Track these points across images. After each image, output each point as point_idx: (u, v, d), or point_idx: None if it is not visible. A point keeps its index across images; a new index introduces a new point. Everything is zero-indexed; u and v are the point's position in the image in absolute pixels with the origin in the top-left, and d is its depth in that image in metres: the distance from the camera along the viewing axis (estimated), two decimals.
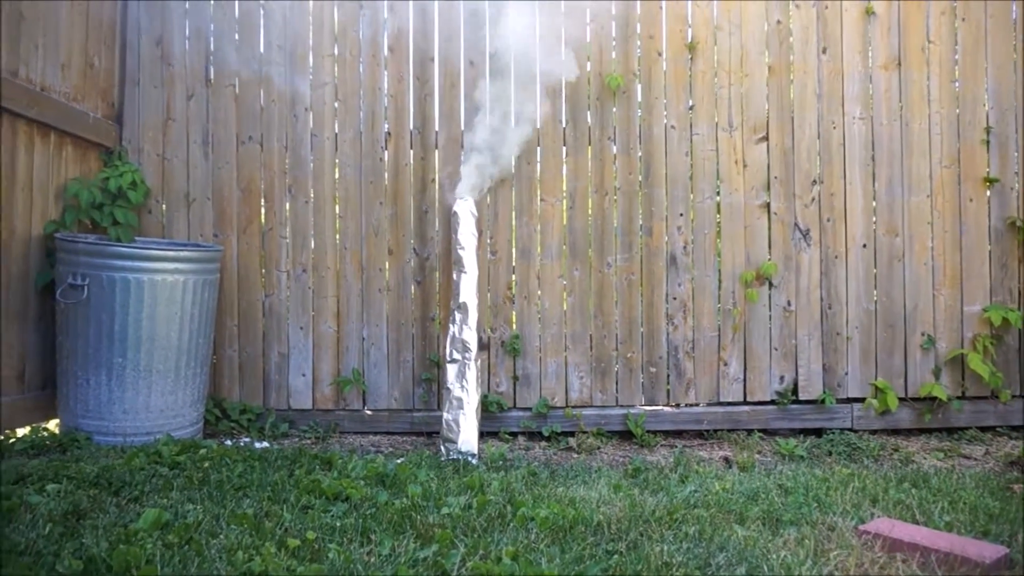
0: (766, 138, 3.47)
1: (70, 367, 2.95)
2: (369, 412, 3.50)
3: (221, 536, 1.88)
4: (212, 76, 3.56)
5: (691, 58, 3.50)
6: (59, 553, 1.75)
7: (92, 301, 2.89)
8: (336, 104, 3.55)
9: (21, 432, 2.93)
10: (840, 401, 3.40)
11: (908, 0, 3.45)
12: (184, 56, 3.56)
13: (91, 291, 2.88)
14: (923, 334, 3.41)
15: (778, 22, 3.49)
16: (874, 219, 3.46)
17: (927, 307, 3.42)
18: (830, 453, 3.11)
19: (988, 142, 3.42)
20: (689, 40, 3.49)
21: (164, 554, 1.74)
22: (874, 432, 3.35)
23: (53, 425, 3.11)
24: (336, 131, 3.54)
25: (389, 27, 3.54)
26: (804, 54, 3.48)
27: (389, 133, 3.54)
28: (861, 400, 3.40)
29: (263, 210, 3.55)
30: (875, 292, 3.44)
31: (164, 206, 3.54)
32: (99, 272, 2.90)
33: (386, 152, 3.54)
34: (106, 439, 2.89)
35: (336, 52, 3.56)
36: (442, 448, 3.03)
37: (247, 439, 3.26)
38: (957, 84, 3.44)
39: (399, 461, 2.67)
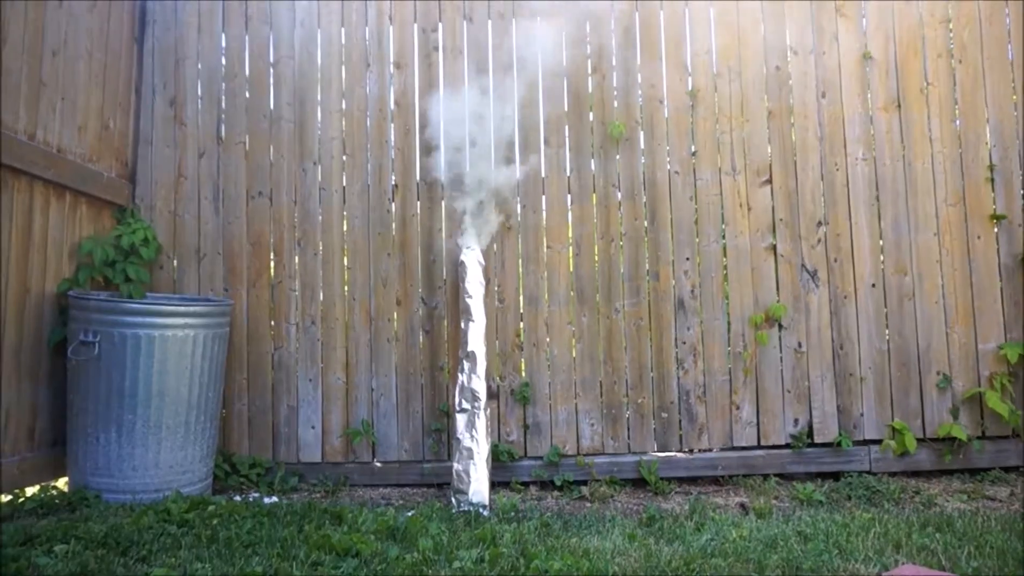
0: (769, 181, 3.50)
1: (80, 424, 2.95)
2: (379, 464, 3.47)
3: None
4: (223, 134, 3.64)
5: (692, 105, 3.56)
6: None
7: (103, 357, 2.91)
8: (344, 158, 3.62)
9: (30, 491, 2.91)
10: (857, 443, 3.35)
11: (904, 44, 3.51)
12: (196, 115, 3.65)
13: (102, 348, 2.90)
14: (938, 373, 3.36)
15: (777, 68, 3.55)
16: (882, 258, 3.45)
17: (941, 346, 3.38)
18: (849, 497, 3.04)
19: (992, 179, 3.43)
20: (690, 88, 3.56)
21: None
22: (893, 474, 3.28)
23: (63, 483, 3.09)
24: (344, 184, 3.60)
25: (395, 83, 3.63)
26: (804, 98, 3.53)
27: (396, 185, 3.59)
28: (878, 442, 3.34)
29: (272, 263, 3.58)
30: (887, 331, 3.41)
31: (175, 262, 3.58)
32: (110, 329, 2.92)
33: (393, 204, 3.58)
34: (115, 497, 2.87)
35: (344, 107, 3.64)
36: (453, 499, 2.99)
37: (256, 494, 3.22)
38: (958, 123, 3.48)
39: (410, 514, 2.63)
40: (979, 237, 3.41)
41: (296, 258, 3.57)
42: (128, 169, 3.62)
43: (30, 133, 2.97)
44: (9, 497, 2.82)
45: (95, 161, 3.38)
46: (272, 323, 3.54)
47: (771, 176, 3.50)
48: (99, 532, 2.31)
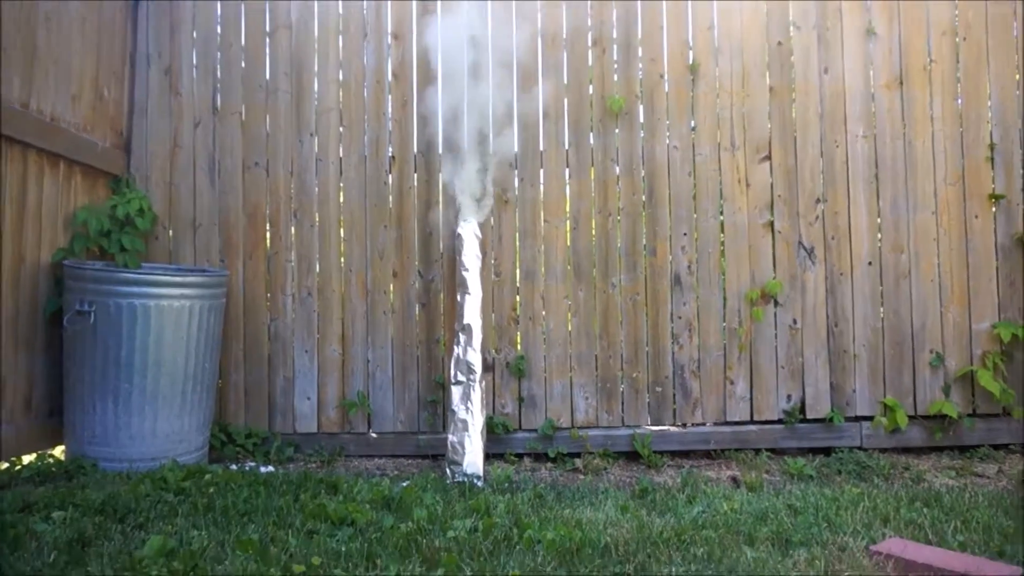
0: (769, 157, 3.49)
1: (77, 393, 2.96)
2: (374, 435, 3.49)
3: (226, 562, 1.87)
4: (219, 104, 3.61)
5: (693, 80, 3.53)
6: None
7: (99, 327, 2.91)
8: (341, 129, 3.59)
9: (27, 459, 2.93)
10: (849, 419, 3.38)
11: (908, 19, 3.47)
12: (192, 85, 3.62)
13: (98, 317, 2.90)
14: (932, 351, 3.38)
15: (779, 43, 3.52)
16: (879, 237, 3.45)
17: (935, 324, 3.40)
18: (839, 472, 3.08)
19: (992, 159, 3.42)
20: (691, 62, 3.53)
21: None
22: (884, 451, 3.32)
23: (59, 452, 3.11)
24: (341, 155, 3.58)
25: (393, 54, 3.59)
26: (806, 74, 3.51)
27: (393, 157, 3.57)
28: (870, 418, 3.37)
29: (268, 235, 3.57)
30: (882, 310, 3.43)
31: (171, 232, 3.57)
32: (106, 298, 2.92)
33: (390, 176, 3.57)
34: (112, 465, 2.89)
35: (341, 78, 3.60)
36: (448, 471, 3.02)
37: (252, 464, 3.25)
38: (960, 102, 3.46)
39: (405, 484, 2.66)
40: (977, 217, 3.41)
41: (292, 230, 3.56)
42: (123, 139, 3.59)
43: (23, 102, 2.94)
44: (6, 465, 2.84)
45: (89, 131, 3.35)
46: (268, 295, 3.54)
47: (770, 153, 3.49)
48: (96, 499, 2.33)
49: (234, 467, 3.10)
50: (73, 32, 3.23)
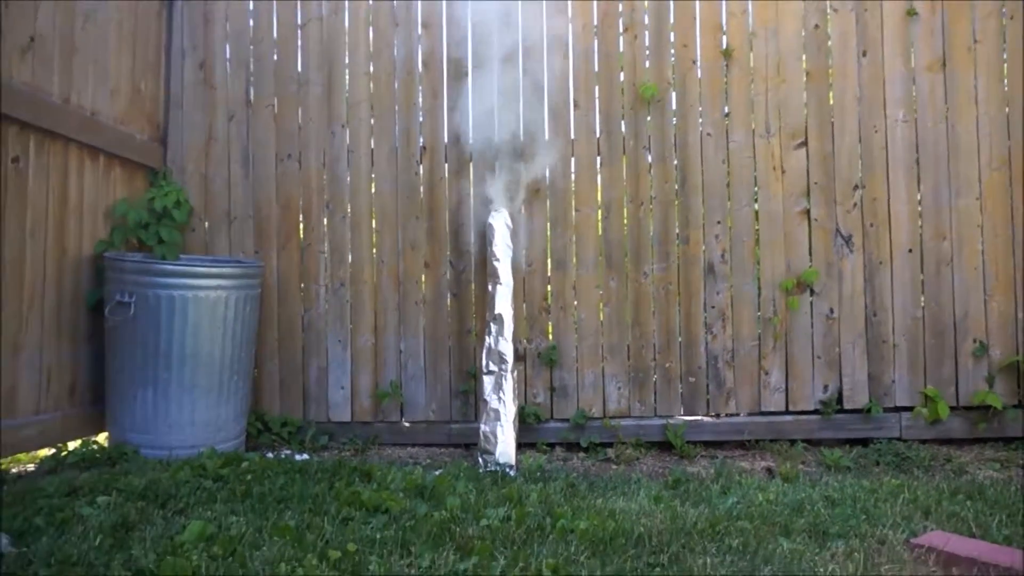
0: (805, 143, 3.42)
1: (118, 382, 3.03)
2: (407, 424, 3.52)
3: (264, 548, 1.90)
4: (252, 97, 3.65)
5: (726, 65, 3.47)
6: (109, 564, 1.79)
7: (139, 318, 2.97)
8: (372, 121, 3.60)
9: (72, 445, 3.01)
10: (887, 410, 3.31)
11: (952, 1, 3.36)
12: (225, 78, 3.66)
13: (138, 308, 2.97)
14: (975, 341, 3.29)
15: (816, 27, 3.44)
16: (920, 223, 3.36)
17: (978, 313, 3.30)
18: (877, 463, 3.02)
19: None
20: (724, 47, 3.46)
21: (209, 566, 1.77)
22: (924, 442, 3.24)
23: (103, 439, 3.19)
24: (372, 147, 3.60)
25: (423, 44, 3.59)
26: (843, 58, 3.42)
27: (424, 148, 3.58)
28: (909, 409, 3.30)
29: (301, 226, 3.61)
30: (922, 298, 3.34)
31: (207, 224, 3.62)
32: (145, 290, 2.98)
33: (421, 167, 3.57)
34: (153, 452, 2.96)
35: (372, 70, 3.61)
36: (480, 460, 3.03)
37: (288, 452, 3.30)
38: (1006, 84, 3.34)
39: (437, 473, 2.68)
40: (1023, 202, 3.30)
41: (325, 221, 3.59)
42: (159, 132, 3.66)
43: (64, 97, 3.00)
44: (53, 451, 2.93)
45: (127, 124, 3.41)
46: (302, 285, 3.58)
47: (806, 138, 3.41)
48: (138, 485, 2.39)
49: (270, 455, 3.15)
50: (110, 27, 3.28)
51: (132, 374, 2.99)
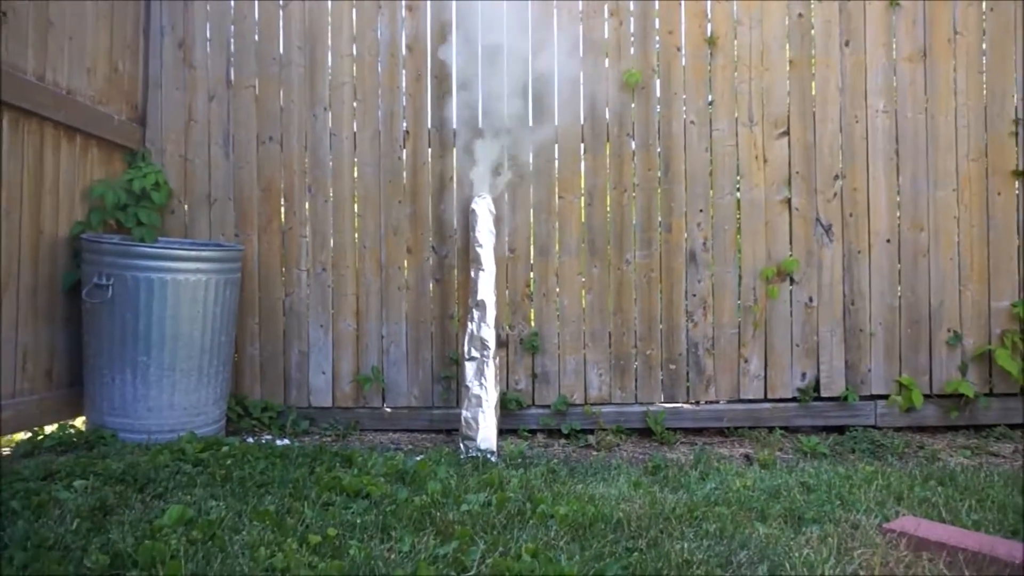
0: (787, 133, 3.44)
1: (96, 365, 3.00)
2: (389, 409, 3.52)
3: (244, 532, 1.90)
4: (233, 78, 3.60)
5: (711, 53, 3.47)
6: (87, 548, 1.78)
7: (117, 300, 2.94)
8: (355, 103, 3.57)
9: (49, 429, 2.98)
10: (863, 398, 3.36)
11: None
12: (206, 59, 3.60)
13: (116, 291, 2.93)
14: (949, 330, 3.35)
15: (799, 16, 3.45)
16: (898, 214, 3.40)
17: (953, 303, 3.36)
18: (853, 450, 3.07)
19: (1017, 134, 3.35)
20: (709, 35, 3.46)
21: (188, 550, 1.77)
22: (898, 429, 3.30)
23: (80, 422, 3.16)
24: (355, 130, 3.57)
25: (407, 27, 3.56)
26: (826, 47, 3.44)
27: (407, 132, 3.55)
28: (885, 397, 3.35)
29: (283, 209, 3.58)
30: (899, 288, 3.39)
31: (186, 206, 3.58)
32: (123, 272, 2.94)
33: (404, 151, 3.55)
34: (131, 436, 2.94)
35: (355, 52, 3.57)
36: (461, 445, 3.04)
37: (269, 436, 3.29)
38: (984, 76, 3.38)
39: (419, 458, 2.68)
40: (999, 193, 3.35)
41: (307, 204, 3.56)
42: (138, 112, 3.60)
43: (39, 74, 2.94)
44: (29, 435, 2.89)
45: (105, 104, 3.35)
46: (283, 269, 3.56)
47: (789, 128, 3.43)
48: (117, 469, 2.37)
49: (250, 439, 3.14)
50: (87, 4, 3.22)
51: (110, 357, 2.96)
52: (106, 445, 2.83)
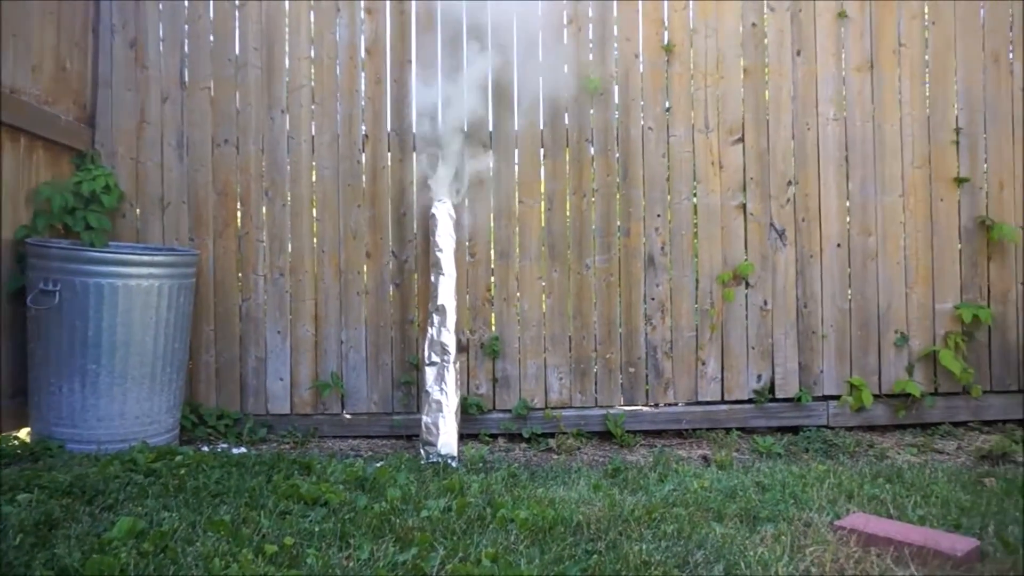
0: (742, 139, 3.51)
1: (42, 374, 2.90)
2: (348, 416, 3.48)
3: (197, 543, 1.86)
4: (187, 79, 3.52)
5: (668, 60, 3.53)
6: (30, 564, 1.72)
7: (64, 307, 2.85)
8: (313, 107, 3.53)
9: None
10: (816, 399, 3.45)
11: (880, 2, 3.50)
12: (159, 59, 3.52)
13: (63, 297, 2.84)
14: (897, 332, 3.46)
15: (753, 25, 3.53)
16: (848, 219, 3.50)
17: (900, 305, 3.47)
18: (807, 450, 3.15)
19: (958, 143, 3.48)
20: (666, 43, 3.52)
21: (139, 563, 1.72)
22: (850, 429, 3.39)
23: (24, 433, 3.05)
24: (313, 133, 3.52)
25: (366, 30, 3.53)
26: (779, 56, 3.52)
27: (367, 136, 3.53)
28: (837, 398, 3.44)
29: (239, 214, 3.52)
30: (849, 291, 3.49)
31: (138, 210, 3.49)
32: (72, 277, 2.85)
33: (363, 155, 3.52)
34: (80, 447, 2.85)
35: (313, 54, 3.54)
36: (422, 451, 3.03)
37: (224, 445, 3.23)
38: (927, 86, 3.50)
39: (378, 465, 2.66)
40: (942, 200, 3.48)
41: (264, 208, 3.51)
42: (87, 113, 3.50)
43: None
44: None
45: (51, 103, 3.25)
46: (240, 274, 3.50)
47: (744, 135, 3.51)
48: (64, 481, 2.30)
49: (206, 448, 3.07)
50: (32, 2, 3.11)
51: (58, 366, 2.87)
52: (53, 457, 2.74)
